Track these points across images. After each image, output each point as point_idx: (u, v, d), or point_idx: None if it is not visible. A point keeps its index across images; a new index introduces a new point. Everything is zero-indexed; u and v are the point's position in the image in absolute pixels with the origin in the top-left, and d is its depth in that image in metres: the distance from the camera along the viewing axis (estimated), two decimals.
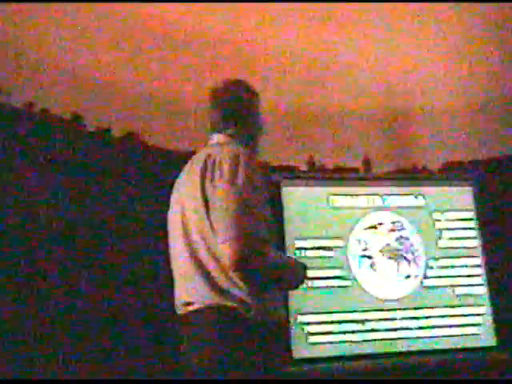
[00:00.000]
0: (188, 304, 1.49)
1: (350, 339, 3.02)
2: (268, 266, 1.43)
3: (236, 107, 1.70)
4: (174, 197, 1.65)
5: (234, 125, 1.69)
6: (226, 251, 1.37)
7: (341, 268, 3.12)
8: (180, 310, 1.54)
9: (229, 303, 1.41)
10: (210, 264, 1.45)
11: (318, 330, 3.00)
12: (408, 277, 3.22)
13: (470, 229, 3.38)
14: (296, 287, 1.65)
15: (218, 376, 1.37)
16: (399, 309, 3.13)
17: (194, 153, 1.67)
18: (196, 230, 1.49)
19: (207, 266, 1.46)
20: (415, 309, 3.15)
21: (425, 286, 3.22)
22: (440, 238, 3.32)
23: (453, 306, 3.20)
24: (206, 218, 1.46)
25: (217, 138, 1.69)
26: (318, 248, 3.12)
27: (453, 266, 3.28)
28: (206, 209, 1.46)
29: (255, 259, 1.38)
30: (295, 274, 1.57)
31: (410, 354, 3.06)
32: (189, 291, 1.50)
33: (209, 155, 1.53)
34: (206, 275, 1.45)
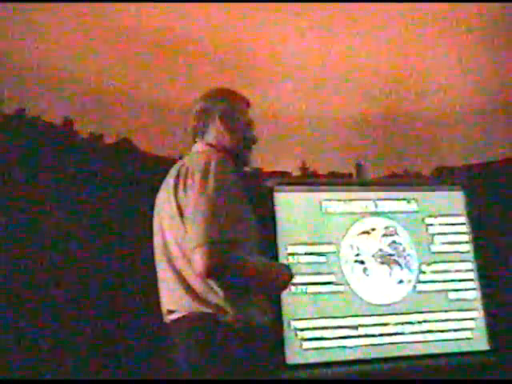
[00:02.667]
0: (170, 312, 1.50)
1: (343, 344, 3.01)
2: (241, 269, 1.43)
3: (216, 116, 1.68)
4: (155, 205, 1.65)
5: (214, 133, 1.68)
6: (195, 258, 1.37)
7: (333, 273, 3.12)
8: (165, 319, 1.54)
9: (206, 310, 1.41)
10: (186, 271, 1.45)
11: (312, 336, 2.99)
12: (401, 282, 3.23)
13: (463, 233, 3.39)
14: (280, 289, 1.64)
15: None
16: (392, 314, 3.12)
17: None
18: (172, 238, 1.50)
19: (184, 273, 1.46)
20: (408, 313, 3.14)
21: (418, 291, 3.22)
22: (432, 242, 3.32)
23: (446, 311, 3.20)
24: (181, 226, 1.46)
25: (196, 147, 1.69)
26: (311, 254, 3.12)
27: (445, 271, 3.29)
28: (181, 217, 1.46)
29: (225, 265, 1.37)
30: (276, 275, 1.55)
31: (403, 358, 3.05)
32: (169, 299, 1.51)
33: (183, 164, 1.54)
34: (184, 282, 1.45)
